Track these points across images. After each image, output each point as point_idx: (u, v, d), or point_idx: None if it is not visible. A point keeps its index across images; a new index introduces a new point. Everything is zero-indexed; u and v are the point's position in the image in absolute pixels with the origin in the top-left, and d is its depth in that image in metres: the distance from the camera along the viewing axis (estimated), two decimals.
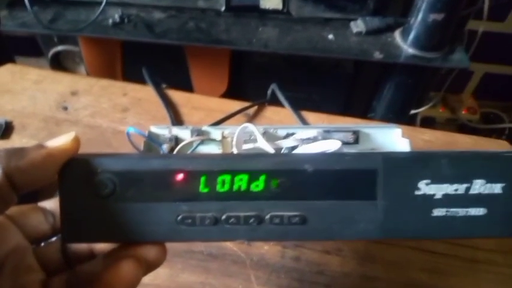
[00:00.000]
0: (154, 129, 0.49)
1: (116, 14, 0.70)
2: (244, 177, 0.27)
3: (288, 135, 0.50)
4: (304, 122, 0.62)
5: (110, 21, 0.70)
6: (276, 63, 0.86)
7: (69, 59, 0.99)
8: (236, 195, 0.27)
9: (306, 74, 0.88)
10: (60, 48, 0.94)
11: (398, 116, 0.77)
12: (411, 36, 0.67)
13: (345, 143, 0.48)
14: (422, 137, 0.62)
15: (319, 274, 0.47)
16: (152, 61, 0.82)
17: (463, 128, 1.50)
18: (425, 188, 0.27)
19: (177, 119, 0.62)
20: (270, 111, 0.65)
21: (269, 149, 0.45)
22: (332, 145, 0.38)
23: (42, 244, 0.30)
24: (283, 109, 0.64)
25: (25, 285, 0.26)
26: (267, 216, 0.27)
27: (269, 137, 0.48)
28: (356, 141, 0.49)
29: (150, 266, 0.27)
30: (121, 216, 0.27)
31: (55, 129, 0.60)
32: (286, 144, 0.47)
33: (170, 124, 0.60)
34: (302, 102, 0.65)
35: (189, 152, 0.45)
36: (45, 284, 0.27)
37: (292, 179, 0.27)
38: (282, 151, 0.47)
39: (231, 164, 0.27)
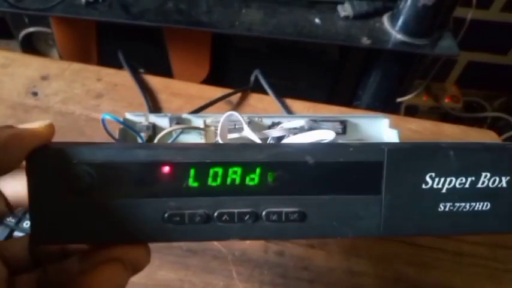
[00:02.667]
0: (130, 116, 0.46)
1: None
2: (238, 170, 0.24)
3: (273, 124, 0.47)
4: (289, 111, 0.60)
5: (83, 0, 0.65)
6: (259, 49, 0.83)
7: (41, 41, 0.94)
8: (229, 190, 0.24)
9: (291, 60, 0.85)
10: (31, 29, 0.89)
11: (385, 104, 0.75)
12: (400, 21, 0.64)
13: None
14: (410, 127, 0.61)
15: (304, 269, 0.45)
16: (129, 44, 0.78)
17: (446, 117, 1.50)
18: (431, 181, 0.25)
19: (154, 106, 0.58)
20: (254, 99, 0.62)
21: (255, 138, 0.43)
22: (326, 135, 0.36)
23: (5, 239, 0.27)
24: (267, 96, 0.62)
25: None
26: (263, 213, 0.25)
27: (254, 126, 0.46)
28: (344, 131, 0.47)
29: (134, 270, 0.24)
30: (100, 214, 0.24)
31: (24, 116, 0.56)
32: (273, 134, 0.45)
33: (147, 111, 0.57)
34: (286, 90, 0.63)
35: (169, 141, 0.43)
36: (11, 282, 0.24)
37: (291, 171, 0.24)
38: (269, 141, 0.45)
39: (223, 155, 0.24)
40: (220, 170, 0.24)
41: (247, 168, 0.24)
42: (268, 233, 0.25)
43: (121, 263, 0.23)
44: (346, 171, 0.25)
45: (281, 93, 0.61)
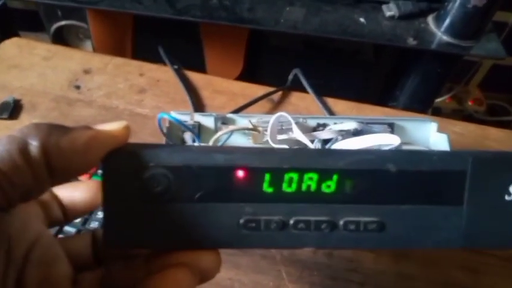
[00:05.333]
0: (175, 115, 0.45)
1: None
2: (315, 176, 0.23)
3: (318, 126, 0.47)
4: (331, 111, 0.59)
5: None
6: (293, 47, 0.82)
7: (72, 34, 0.94)
8: (305, 197, 0.23)
9: (324, 59, 0.84)
10: (64, 23, 0.89)
11: (423, 106, 0.74)
12: (446, 22, 0.63)
13: None
14: (454, 129, 0.60)
15: (353, 271, 0.45)
16: (164, 39, 0.77)
17: (469, 120, 1.49)
18: None
19: (197, 103, 0.58)
20: (295, 97, 0.62)
21: (305, 140, 0.42)
22: (390, 140, 0.35)
23: (68, 236, 0.26)
24: (308, 95, 0.61)
25: (53, 279, 0.22)
26: (341, 222, 0.24)
27: (299, 127, 0.45)
28: (391, 134, 0.46)
29: (204, 277, 0.23)
30: (175, 219, 0.23)
31: (67, 109, 0.56)
32: (321, 136, 0.45)
33: (191, 108, 0.56)
34: (319, 88, 0.62)
35: (220, 143, 0.42)
36: (75, 280, 0.24)
37: (371, 180, 0.23)
38: (315, 143, 0.44)
39: (300, 160, 0.23)
40: (295, 176, 0.23)
41: (324, 175, 0.23)
42: (345, 243, 0.24)
43: (189, 269, 0.23)
44: (429, 181, 0.24)
45: (318, 92, 0.60)
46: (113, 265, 0.25)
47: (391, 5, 0.65)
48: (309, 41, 0.78)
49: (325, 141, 0.45)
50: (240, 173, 0.23)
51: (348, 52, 0.82)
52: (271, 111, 0.59)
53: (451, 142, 0.46)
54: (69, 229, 0.42)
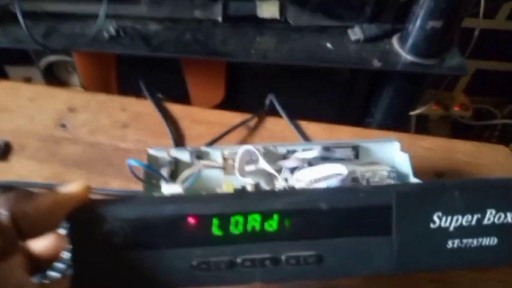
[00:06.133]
0: (152, 152, 0.48)
1: (110, 27, 0.69)
2: (258, 217, 0.26)
3: (288, 153, 0.49)
4: (303, 134, 0.62)
5: (106, 34, 0.68)
6: (271, 71, 0.85)
7: (62, 69, 0.97)
8: (250, 237, 0.27)
9: (302, 81, 0.87)
10: (52, 58, 0.92)
11: (397, 120, 0.77)
12: (409, 43, 0.66)
13: (345, 160, 0.48)
14: (422, 144, 0.62)
15: None
16: (147, 72, 0.81)
17: (456, 125, 1.51)
18: (439, 220, 0.27)
19: (177, 134, 0.61)
20: (270, 122, 0.64)
21: (271, 170, 0.45)
22: (338, 169, 0.38)
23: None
24: (283, 119, 0.64)
25: None
26: (283, 257, 0.27)
27: (270, 155, 0.47)
28: (356, 156, 0.49)
29: None
30: (134, 265, 0.26)
31: (55, 148, 0.59)
32: (287, 164, 0.47)
33: (171, 139, 0.59)
34: (298, 109, 0.65)
35: (191, 179, 0.45)
36: None
37: (306, 217, 0.27)
38: (283, 171, 0.47)
39: (243, 205, 0.27)
40: (241, 219, 0.26)
41: (266, 215, 0.26)
42: (288, 276, 0.28)
43: None
44: (358, 215, 0.27)
45: (294, 112, 0.63)
46: None
47: (356, 29, 0.69)
48: (285, 65, 0.81)
49: (293, 169, 0.48)
50: (190, 221, 0.26)
51: (325, 73, 0.85)
52: (247, 138, 0.62)
53: (412, 160, 0.47)
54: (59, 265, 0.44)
